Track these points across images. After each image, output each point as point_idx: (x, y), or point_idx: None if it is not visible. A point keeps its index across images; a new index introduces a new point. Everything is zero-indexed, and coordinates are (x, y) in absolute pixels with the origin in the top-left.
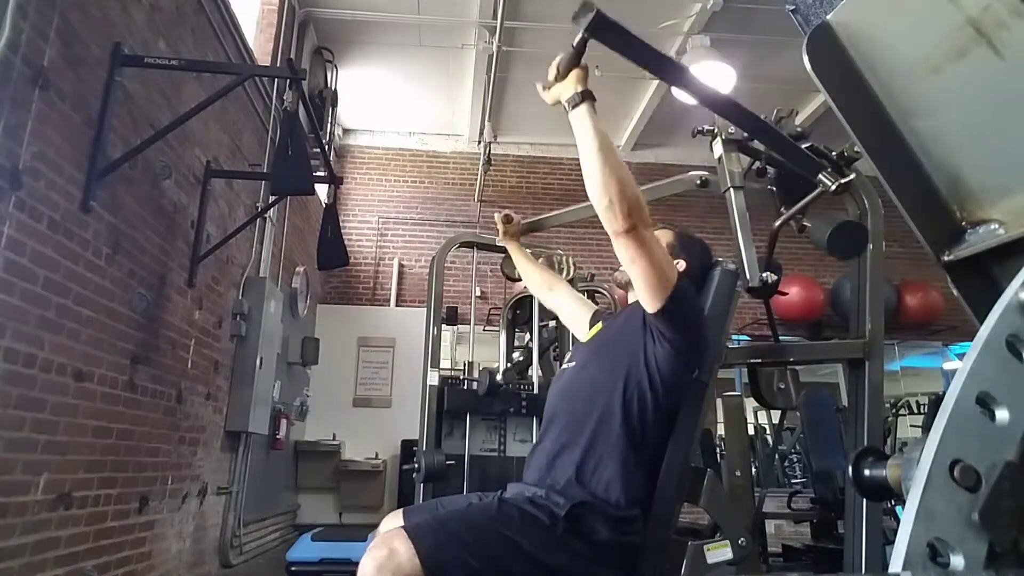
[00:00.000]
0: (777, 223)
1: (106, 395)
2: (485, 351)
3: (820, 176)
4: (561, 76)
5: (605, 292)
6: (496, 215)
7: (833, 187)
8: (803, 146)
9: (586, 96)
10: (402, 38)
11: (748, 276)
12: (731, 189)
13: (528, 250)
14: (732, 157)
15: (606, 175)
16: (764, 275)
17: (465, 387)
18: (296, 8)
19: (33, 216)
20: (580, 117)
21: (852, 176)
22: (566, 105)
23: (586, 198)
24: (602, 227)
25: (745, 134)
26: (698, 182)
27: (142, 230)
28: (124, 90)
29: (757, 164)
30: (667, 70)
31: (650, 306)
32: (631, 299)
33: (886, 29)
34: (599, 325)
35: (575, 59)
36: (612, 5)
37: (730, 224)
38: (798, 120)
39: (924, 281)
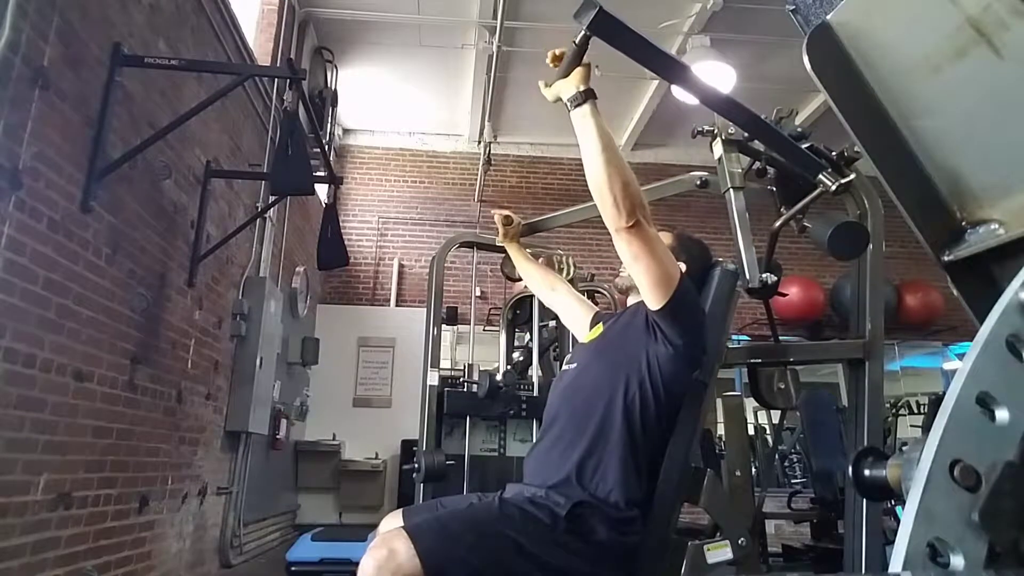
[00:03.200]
0: (777, 223)
1: (106, 395)
2: (485, 351)
3: (820, 176)
4: (563, 74)
5: (605, 292)
6: (495, 215)
7: (833, 187)
8: (803, 146)
9: (588, 95)
10: (402, 38)
11: (748, 277)
12: (731, 190)
13: (528, 250)
14: (732, 158)
15: (609, 172)
16: (764, 276)
17: (465, 389)
18: (296, 8)
19: (33, 216)
20: (582, 116)
21: (852, 176)
22: (568, 104)
23: (587, 198)
24: (602, 227)
25: (745, 134)
26: (698, 183)
27: (142, 230)
28: (124, 90)
29: (757, 164)
30: (669, 67)
31: (653, 303)
32: (631, 303)
33: (886, 29)
34: (600, 327)
35: (577, 57)
36: (612, 5)
37: (730, 224)
38: (798, 120)
39: (924, 281)
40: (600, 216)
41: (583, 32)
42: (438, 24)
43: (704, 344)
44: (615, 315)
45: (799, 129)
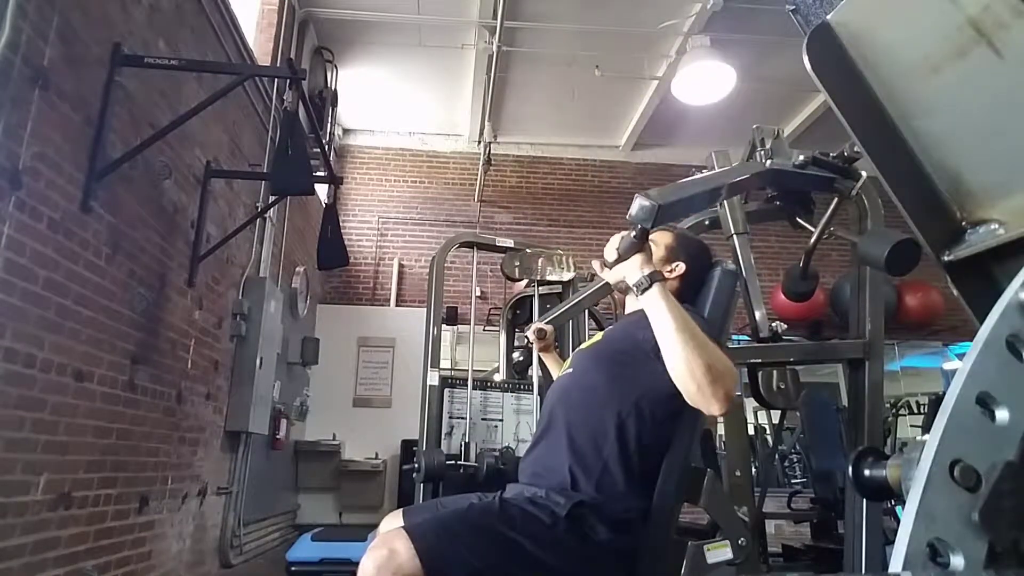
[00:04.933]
0: (812, 240)
1: (106, 395)
2: (485, 351)
3: (836, 186)
4: (623, 258)
5: None
6: (528, 333)
7: (853, 192)
8: (809, 158)
9: (654, 278)
10: (402, 38)
11: (759, 330)
12: (735, 236)
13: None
14: (734, 204)
15: (690, 358)
16: (774, 325)
17: (462, 471)
18: (296, 8)
19: (33, 216)
20: (652, 300)
21: (865, 175)
22: (634, 289)
23: (585, 198)
24: (603, 227)
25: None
26: (706, 223)
27: (142, 230)
28: (124, 90)
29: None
30: (712, 196)
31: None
32: (630, 305)
33: (886, 29)
34: (599, 335)
35: (639, 245)
36: (614, 5)
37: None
38: (796, 122)
39: (924, 281)
40: (599, 217)
41: (641, 227)
42: (438, 24)
43: None
44: (614, 321)
45: (801, 157)
